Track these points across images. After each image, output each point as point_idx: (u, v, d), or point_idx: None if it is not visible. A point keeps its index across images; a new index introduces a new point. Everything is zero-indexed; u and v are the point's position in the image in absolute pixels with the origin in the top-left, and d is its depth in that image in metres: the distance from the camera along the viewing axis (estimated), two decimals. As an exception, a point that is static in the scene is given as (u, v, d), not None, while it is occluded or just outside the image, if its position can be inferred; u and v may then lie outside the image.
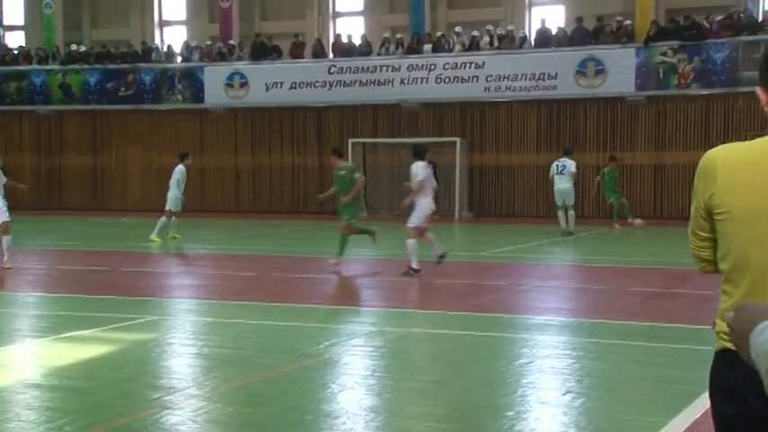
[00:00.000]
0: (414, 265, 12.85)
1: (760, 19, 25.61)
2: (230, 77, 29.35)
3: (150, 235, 18.41)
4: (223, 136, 29.78)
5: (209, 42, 30.69)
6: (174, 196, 19.10)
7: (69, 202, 30.93)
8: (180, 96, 30.05)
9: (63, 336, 8.72)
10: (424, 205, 13.27)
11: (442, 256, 13.40)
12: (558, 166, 19.90)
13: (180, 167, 19.52)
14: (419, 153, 13.48)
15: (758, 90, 2.75)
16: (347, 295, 11.93)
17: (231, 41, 30.62)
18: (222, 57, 30.00)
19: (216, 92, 29.45)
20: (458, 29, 27.74)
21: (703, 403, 6.06)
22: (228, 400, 6.39)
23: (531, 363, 7.52)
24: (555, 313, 10.07)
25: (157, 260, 15.85)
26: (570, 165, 19.72)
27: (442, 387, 6.78)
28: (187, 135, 30.05)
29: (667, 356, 7.74)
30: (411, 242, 13.03)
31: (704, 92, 25.00)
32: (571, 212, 19.76)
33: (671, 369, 7.23)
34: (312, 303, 11.00)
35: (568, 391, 6.53)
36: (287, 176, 29.13)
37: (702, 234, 2.77)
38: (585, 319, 9.58)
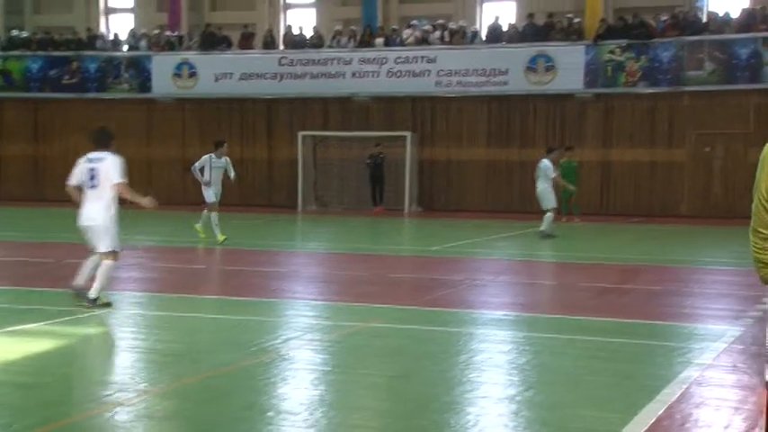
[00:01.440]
0: None
1: (704, 20, 25.98)
2: (178, 67, 28.92)
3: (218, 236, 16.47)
4: (170, 126, 29.34)
5: (156, 31, 30.21)
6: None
7: (8, 191, 30.19)
8: (126, 85, 29.54)
9: (8, 330, 8.45)
10: None
11: None
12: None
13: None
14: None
15: None
16: (301, 289, 11.77)
17: (180, 31, 30.18)
18: (170, 46, 29.54)
19: (163, 81, 29.00)
20: (414, 22, 27.70)
21: (664, 399, 6.08)
22: (184, 397, 6.23)
23: (490, 358, 7.48)
24: (510, 308, 10.05)
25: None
26: (545, 165, 18.34)
27: (402, 383, 6.69)
28: (133, 125, 29.53)
29: (623, 352, 7.75)
30: None
31: (650, 90, 25.30)
32: (548, 214, 18.12)
33: (628, 365, 7.23)
34: (265, 297, 10.83)
35: (530, 387, 6.49)
36: (235, 169, 28.62)
37: (765, 232, 2.42)
38: (541, 314, 9.58)
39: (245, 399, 6.14)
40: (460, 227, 21.67)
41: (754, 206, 2.51)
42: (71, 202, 9.75)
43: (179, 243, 17.42)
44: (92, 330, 8.71)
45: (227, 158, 17.86)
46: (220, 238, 16.28)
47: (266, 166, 28.45)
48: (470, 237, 18.52)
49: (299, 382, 6.69)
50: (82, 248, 9.71)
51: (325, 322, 9.10)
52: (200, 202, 28.59)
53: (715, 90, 24.64)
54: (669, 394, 6.20)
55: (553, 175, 18.29)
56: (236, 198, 28.42)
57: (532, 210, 25.66)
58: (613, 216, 24.18)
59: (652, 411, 5.77)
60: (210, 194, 17.07)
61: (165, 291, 11.10)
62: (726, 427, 5.51)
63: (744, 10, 25.54)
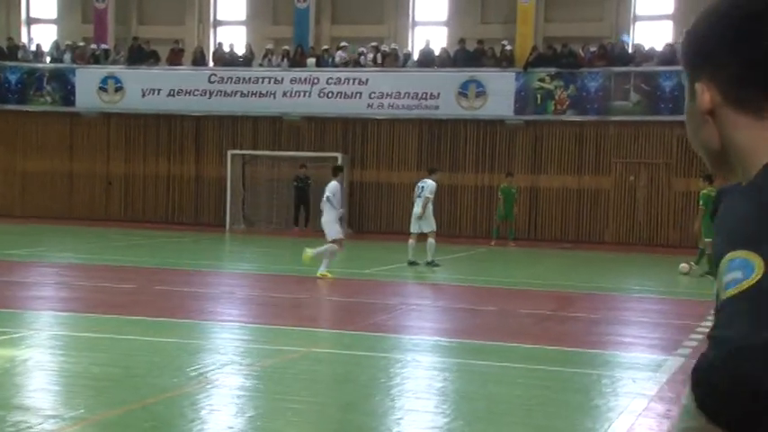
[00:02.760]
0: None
1: (631, 51, 26.58)
2: (104, 81, 28.30)
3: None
4: (95, 141, 28.66)
5: (81, 43, 29.54)
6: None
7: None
8: (48, 98, 28.77)
9: (-67, 351, 8.03)
10: None
11: None
12: (418, 187, 17.70)
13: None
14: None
15: (700, 87, 1.31)
16: (237, 311, 11.52)
17: (106, 44, 29.57)
18: (96, 59, 28.91)
19: (88, 95, 28.33)
20: (343, 43, 27.69)
21: (617, 429, 6.06)
22: (127, 426, 5.97)
23: (440, 387, 7.38)
24: (454, 335, 9.99)
25: (27, 270, 14.96)
26: (427, 187, 17.33)
27: (352, 411, 6.54)
28: (56, 138, 28.83)
29: (572, 381, 7.74)
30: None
31: (578, 118, 25.72)
32: (430, 240, 17.21)
33: (578, 395, 7.22)
34: (202, 319, 10.56)
35: (482, 419, 6.41)
36: (162, 186, 28.27)
37: None
38: (486, 341, 9.52)
39: (191, 427, 5.91)
40: (392, 249, 21.58)
41: None
42: None
43: (105, 260, 16.93)
44: (22, 353, 8.33)
45: None
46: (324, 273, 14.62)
47: (194, 184, 27.99)
48: (403, 260, 18.44)
49: (245, 410, 6.49)
50: (3, 265, 9.30)
51: (267, 347, 8.89)
52: (121, 219, 27.68)
53: (640, 120, 25.18)
54: (620, 427, 6.18)
55: (431, 196, 17.10)
56: (161, 216, 27.97)
57: (462, 234, 25.90)
58: (541, 241, 24.43)
59: (609, 443, 5.75)
60: (339, 228, 15.21)
61: (96, 311, 10.72)
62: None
63: (667, 44, 26.22)
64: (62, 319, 10.33)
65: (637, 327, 11.10)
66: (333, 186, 15.15)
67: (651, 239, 24.50)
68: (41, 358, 8.15)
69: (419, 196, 17.27)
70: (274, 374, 7.73)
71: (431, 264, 16.84)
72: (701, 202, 16.63)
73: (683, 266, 16.59)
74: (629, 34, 26.95)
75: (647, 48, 26.25)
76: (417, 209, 17.20)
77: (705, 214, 15.83)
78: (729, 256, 1.09)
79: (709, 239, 15.58)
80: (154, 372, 7.58)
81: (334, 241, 14.66)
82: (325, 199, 15.02)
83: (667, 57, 25.53)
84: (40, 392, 6.94)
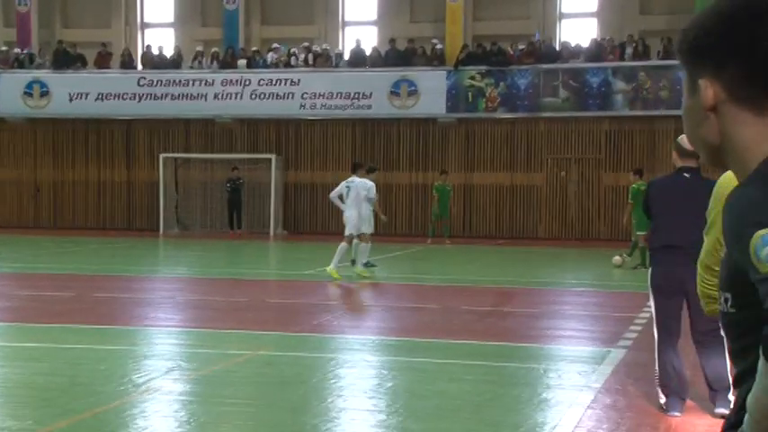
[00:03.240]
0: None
1: (558, 48, 27.02)
2: (29, 86, 27.73)
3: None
4: (21, 148, 28.08)
5: (4, 48, 28.87)
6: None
7: None
8: (-29, 104, 28.03)
9: None
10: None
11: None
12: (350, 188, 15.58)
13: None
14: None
15: (704, 83, 1.36)
16: (179, 316, 11.42)
17: (30, 48, 28.94)
18: (20, 64, 28.29)
19: (12, 101, 27.71)
20: (275, 45, 27.59)
21: (565, 424, 6.18)
22: (79, 436, 5.89)
23: (390, 386, 7.43)
24: (399, 333, 10.05)
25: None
26: (372, 187, 15.50)
27: (302, 414, 6.55)
28: (-20, 145, 28.14)
29: (518, 376, 7.86)
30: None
31: (509, 116, 26.06)
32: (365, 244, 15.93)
33: (525, 389, 7.32)
34: (143, 325, 10.44)
35: (434, 416, 6.48)
36: (92, 191, 27.80)
37: (717, 269, 2.53)
38: (432, 339, 9.60)
39: (147, 436, 5.87)
40: (328, 250, 21.54)
41: (709, 244, 2.58)
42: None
43: (39, 269, 16.59)
44: (-39, 366, 8.14)
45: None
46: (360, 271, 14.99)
47: (126, 189, 27.61)
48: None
49: (196, 416, 6.44)
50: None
51: (212, 351, 8.83)
52: (51, 227, 27.11)
53: (569, 116, 25.62)
54: (571, 419, 6.31)
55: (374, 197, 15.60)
56: (93, 222, 27.51)
57: (398, 233, 26.00)
58: (477, 238, 24.67)
59: (561, 435, 5.87)
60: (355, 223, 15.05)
61: (35, 320, 10.51)
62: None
63: (593, 40, 26.72)
64: (0, 329, 10.10)
65: (577, 320, 11.32)
66: (366, 184, 14.99)
67: (584, 234, 24.95)
68: (-18, 371, 7.97)
69: (367, 199, 15.32)
70: (222, 378, 7.69)
71: (368, 265, 16.02)
72: (629, 196, 16.98)
73: (617, 259, 16.94)
74: (539, 32, 27.35)
75: (573, 45, 26.72)
76: (366, 211, 15.44)
77: (635, 208, 16.16)
78: (760, 233, 1.19)
79: (641, 233, 15.86)
80: (100, 380, 7.47)
81: (353, 238, 15.03)
82: (364, 199, 14.86)
83: (593, 53, 26.04)
84: (-15, 405, 6.79)
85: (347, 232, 15.32)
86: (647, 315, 10.88)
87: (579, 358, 8.73)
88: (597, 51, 26.10)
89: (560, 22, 28.66)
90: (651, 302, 6.35)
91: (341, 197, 15.39)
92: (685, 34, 1.39)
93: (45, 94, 27.62)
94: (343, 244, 14.90)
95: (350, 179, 15.35)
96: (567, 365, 8.34)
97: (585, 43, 26.65)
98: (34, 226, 27.37)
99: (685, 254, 5.50)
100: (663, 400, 6.34)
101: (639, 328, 10.12)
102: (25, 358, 8.46)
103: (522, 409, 6.65)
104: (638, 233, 16.17)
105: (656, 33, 26.10)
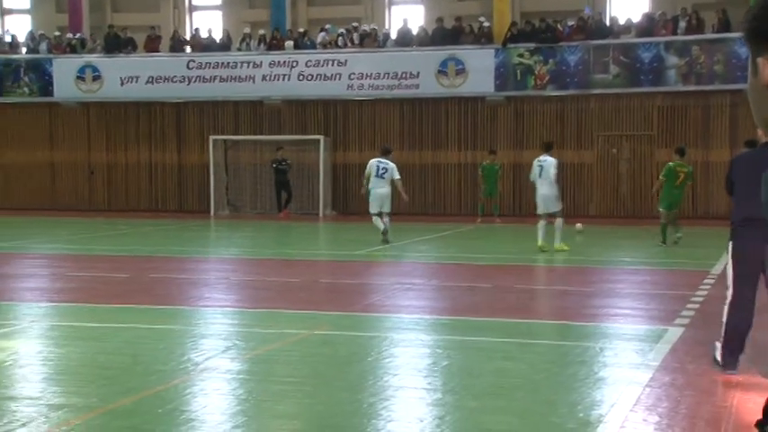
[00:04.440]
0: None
1: (608, 24, 26.66)
2: (81, 70, 28.11)
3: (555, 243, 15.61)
4: (75, 131, 28.52)
5: (57, 33, 29.28)
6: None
7: None
8: (27, 89, 28.54)
9: (-64, 347, 8.01)
10: None
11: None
12: (378, 167, 17.35)
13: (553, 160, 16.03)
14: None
15: (762, 61, 1.61)
16: (234, 296, 11.55)
17: (81, 33, 29.32)
18: (72, 49, 28.68)
19: (66, 85, 28.14)
20: (327, 25, 27.60)
21: (624, 402, 6.15)
22: (142, 413, 5.99)
23: (446, 365, 7.44)
24: (449, 312, 10.06)
25: (16, 262, 14.90)
26: (393, 168, 17.33)
27: (354, 392, 6.58)
28: (35, 129, 28.66)
29: (573, 354, 7.81)
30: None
31: (559, 93, 25.80)
32: (386, 219, 17.39)
33: (582, 368, 7.28)
34: (200, 305, 10.58)
35: (493, 394, 6.49)
36: (144, 173, 28.18)
37: None
38: (486, 317, 9.59)
39: (203, 413, 5.95)
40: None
41: None
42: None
43: (95, 250, 16.88)
44: (25, 344, 8.33)
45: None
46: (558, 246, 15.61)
47: (176, 171, 27.94)
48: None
49: (254, 394, 6.52)
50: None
51: (268, 331, 8.92)
52: (105, 208, 27.60)
53: (620, 93, 25.29)
54: (629, 397, 6.28)
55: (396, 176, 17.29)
56: (145, 204, 27.89)
57: (447, 212, 25.98)
58: (527, 217, 24.49)
59: (617, 415, 5.83)
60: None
61: (94, 301, 10.71)
62: (690, 429, 5.61)
63: (644, 14, 26.30)
64: (61, 309, 10.31)
65: (632, 298, 11.22)
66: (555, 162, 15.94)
67: (636, 211, 24.66)
68: (45, 349, 8.14)
69: (381, 176, 17.19)
70: (278, 358, 7.77)
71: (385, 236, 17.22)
72: (662, 173, 16.91)
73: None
74: (590, 7, 26.98)
75: (624, 20, 26.33)
76: (385, 189, 17.23)
77: (664, 184, 16.52)
78: None
79: (663, 209, 16.04)
80: (160, 359, 7.60)
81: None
82: (553, 176, 15.72)
83: (645, 28, 25.64)
84: (49, 383, 6.94)
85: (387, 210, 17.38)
86: (705, 293, 10.78)
87: (635, 336, 8.66)
88: (649, 26, 25.69)
89: (611, -3, 28.27)
90: (729, 269, 6.70)
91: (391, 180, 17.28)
92: (747, 16, 1.39)
93: (97, 78, 27.98)
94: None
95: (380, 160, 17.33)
96: (623, 344, 8.28)
97: (636, 18, 26.24)
98: (89, 208, 27.82)
99: (766, 227, 5.54)
100: (719, 354, 6.71)
101: (697, 306, 10.02)
102: (87, 338, 8.63)
103: (579, 387, 6.62)
104: (660, 209, 16.31)
105: (710, 6, 25.62)
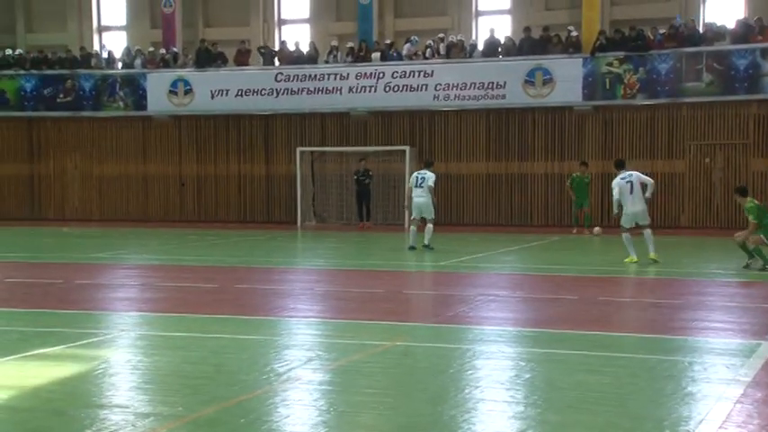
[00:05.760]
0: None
1: (701, 31, 26.03)
2: (174, 84, 28.79)
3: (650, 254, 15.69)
4: (167, 144, 29.23)
5: (151, 49, 30.07)
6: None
7: (5, 211, 29.94)
8: (122, 103, 29.37)
9: (31, 353, 8.28)
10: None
11: None
12: (417, 178, 18.41)
13: None
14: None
15: None
16: (318, 307, 11.63)
17: (174, 48, 30.05)
18: (165, 63, 29.41)
19: (159, 99, 28.86)
20: (414, 37, 27.69)
21: (713, 419, 5.96)
22: (224, 423, 6.07)
23: (528, 378, 7.35)
24: (535, 324, 9.94)
25: (110, 272, 15.32)
26: (429, 177, 18.24)
27: (441, 404, 6.54)
28: (129, 142, 29.49)
29: (660, 369, 7.61)
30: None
31: (649, 102, 25.31)
32: (429, 226, 18.27)
33: (669, 382, 7.09)
34: (284, 316, 10.70)
35: (574, 408, 6.37)
36: (233, 185, 28.69)
37: None
38: (568, 330, 9.44)
39: (285, 424, 5.99)
40: (464, 241, 21.55)
41: None
42: (66, 221, 9.59)
43: (185, 261, 17.24)
44: (115, 353, 8.55)
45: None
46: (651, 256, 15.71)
47: (265, 183, 28.37)
48: (476, 251, 18.40)
49: (336, 405, 6.55)
50: (86, 268, 9.51)
51: (350, 341, 8.95)
52: (195, 219, 28.01)
53: (714, 101, 24.67)
54: (719, 413, 6.09)
55: (431, 184, 18.26)
56: (234, 215, 28.38)
57: (534, 223, 25.72)
58: (615, 228, 24.04)
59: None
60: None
61: (182, 311, 10.94)
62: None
63: (739, 21, 25.60)
64: (150, 319, 10.55)
65: (723, 311, 10.90)
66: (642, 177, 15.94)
67: (730, 222, 23.96)
68: (134, 358, 8.33)
69: (420, 186, 18.25)
70: (361, 369, 7.78)
71: (427, 247, 18.04)
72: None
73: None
74: (680, 15, 26.36)
75: (718, 26, 25.68)
76: (424, 198, 18.23)
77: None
78: None
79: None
80: (243, 369, 7.70)
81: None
82: (640, 189, 15.70)
83: (739, 34, 24.95)
84: (137, 391, 7.10)
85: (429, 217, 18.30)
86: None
87: (726, 351, 8.40)
88: (744, 32, 24.99)
89: (704, 4, 27.62)
90: None
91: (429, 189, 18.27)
92: None
93: (188, 91, 28.62)
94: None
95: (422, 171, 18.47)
96: (713, 358, 8.04)
97: (731, 24, 25.56)
98: (180, 219, 28.46)
99: None
100: None
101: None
102: (174, 347, 8.81)
103: (666, 402, 6.45)
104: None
105: (810, 11, 24.81)
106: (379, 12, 29.56)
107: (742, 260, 15.17)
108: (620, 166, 16.25)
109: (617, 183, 15.74)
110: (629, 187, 15.56)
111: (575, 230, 23.14)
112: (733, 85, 24.47)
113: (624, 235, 15.83)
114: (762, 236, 14.79)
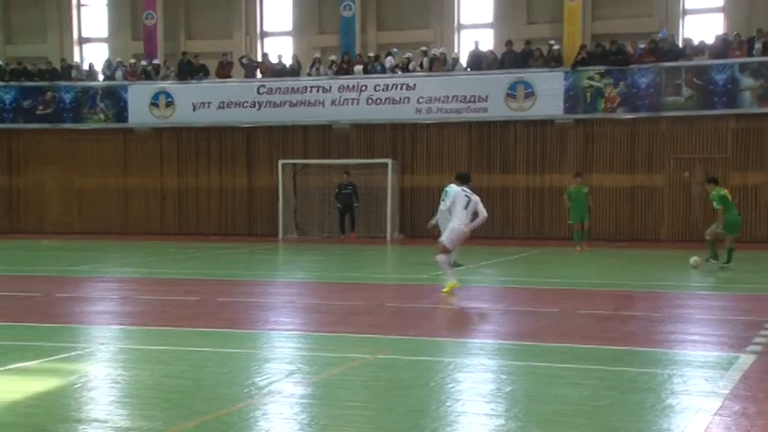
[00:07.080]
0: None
1: (681, 46, 26.26)
2: (155, 96, 28.75)
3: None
4: (148, 156, 29.15)
5: (132, 60, 30.01)
6: None
7: (-17, 223, 29.76)
8: (102, 115, 29.28)
9: (9, 367, 8.22)
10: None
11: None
12: (466, 197, 14.45)
13: None
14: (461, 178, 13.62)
15: None
16: (299, 320, 11.61)
17: (156, 60, 30.00)
18: (147, 75, 29.36)
19: (140, 111, 28.80)
20: (394, 49, 27.79)
21: (695, 429, 5.99)
22: (204, 436, 6.05)
23: (508, 390, 7.36)
24: (515, 337, 9.96)
25: (90, 285, 15.25)
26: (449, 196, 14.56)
27: (417, 417, 6.55)
28: (110, 155, 29.36)
29: (639, 381, 7.65)
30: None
31: (629, 116, 25.49)
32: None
33: (647, 395, 7.13)
34: (265, 329, 10.67)
35: (549, 420, 6.39)
36: (214, 198, 28.63)
37: None
38: (547, 343, 9.47)
39: (269, 437, 5.98)
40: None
41: None
42: (45, 234, 9.55)
43: (165, 274, 17.17)
44: (94, 367, 8.49)
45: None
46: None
47: (246, 195, 28.34)
48: (462, 263, 18.40)
49: (317, 419, 6.53)
50: (66, 281, 9.46)
51: (331, 354, 8.94)
52: (176, 232, 27.90)
53: (693, 115, 24.88)
54: (697, 426, 6.12)
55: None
56: (215, 227, 28.31)
57: (515, 235, 25.79)
58: (596, 241, 24.19)
59: (686, 443, 5.69)
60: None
61: (162, 324, 10.89)
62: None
63: (718, 36, 25.84)
64: (130, 332, 10.49)
65: (701, 324, 10.96)
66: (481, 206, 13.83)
67: (708, 235, 24.09)
68: (114, 372, 8.28)
69: (465, 208, 13.85)
70: (341, 382, 7.77)
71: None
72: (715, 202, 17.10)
73: (695, 260, 16.38)
74: (667, 29, 26.57)
75: (697, 41, 25.91)
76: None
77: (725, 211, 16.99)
78: None
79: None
80: (223, 383, 7.67)
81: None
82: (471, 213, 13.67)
83: (719, 50, 25.18)
84: (116, 406, 7.06)
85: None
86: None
87: (705, 363, 8.45)
88: (723, 47, 25.23)
89: (683, 19, 27.87)
90: None
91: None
92: None
93: (170, 104, 28.58)
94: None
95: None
96: (692, 371, 8.09)
97: (710, 40, 25.78)
98: (161, 232, 28.35)
99: None
100: None
101: (769, 333, 9.74)
102: (154, 361, 8.76)
103: (645, 415, 6.48)
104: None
105: (787, 27, 25.05)
106: (362, 25, 29.64)
107: (721, 273, 15.28)
108: (465, 179, 14.06)
109: (456, 191, 13.59)
110: (466, 202, 13.53)
111: (578, 248, 21.62)
112: (712, 99, 24.69)
113: (441, 257, 13.53)
114: (722, 230, 15.62)
